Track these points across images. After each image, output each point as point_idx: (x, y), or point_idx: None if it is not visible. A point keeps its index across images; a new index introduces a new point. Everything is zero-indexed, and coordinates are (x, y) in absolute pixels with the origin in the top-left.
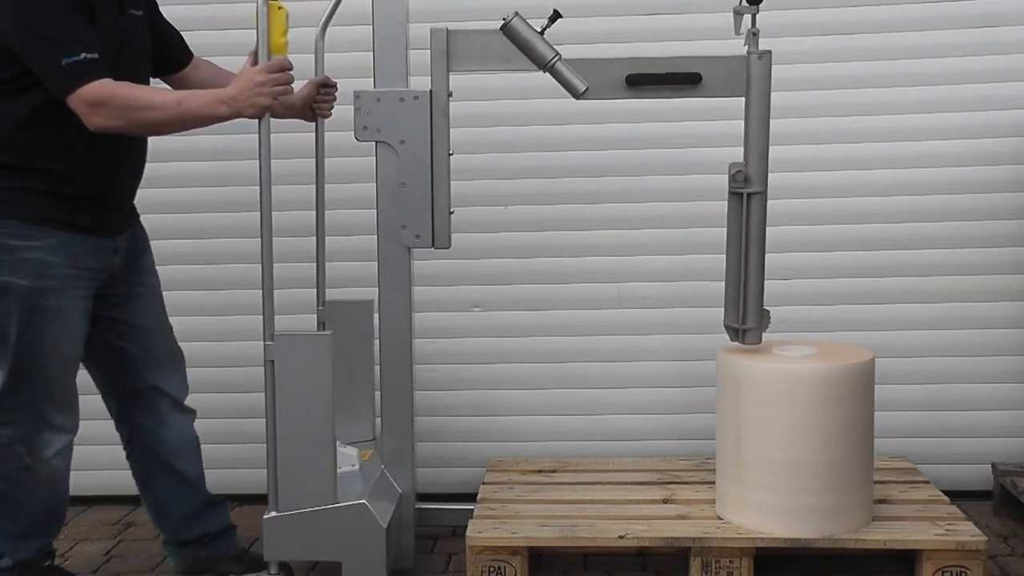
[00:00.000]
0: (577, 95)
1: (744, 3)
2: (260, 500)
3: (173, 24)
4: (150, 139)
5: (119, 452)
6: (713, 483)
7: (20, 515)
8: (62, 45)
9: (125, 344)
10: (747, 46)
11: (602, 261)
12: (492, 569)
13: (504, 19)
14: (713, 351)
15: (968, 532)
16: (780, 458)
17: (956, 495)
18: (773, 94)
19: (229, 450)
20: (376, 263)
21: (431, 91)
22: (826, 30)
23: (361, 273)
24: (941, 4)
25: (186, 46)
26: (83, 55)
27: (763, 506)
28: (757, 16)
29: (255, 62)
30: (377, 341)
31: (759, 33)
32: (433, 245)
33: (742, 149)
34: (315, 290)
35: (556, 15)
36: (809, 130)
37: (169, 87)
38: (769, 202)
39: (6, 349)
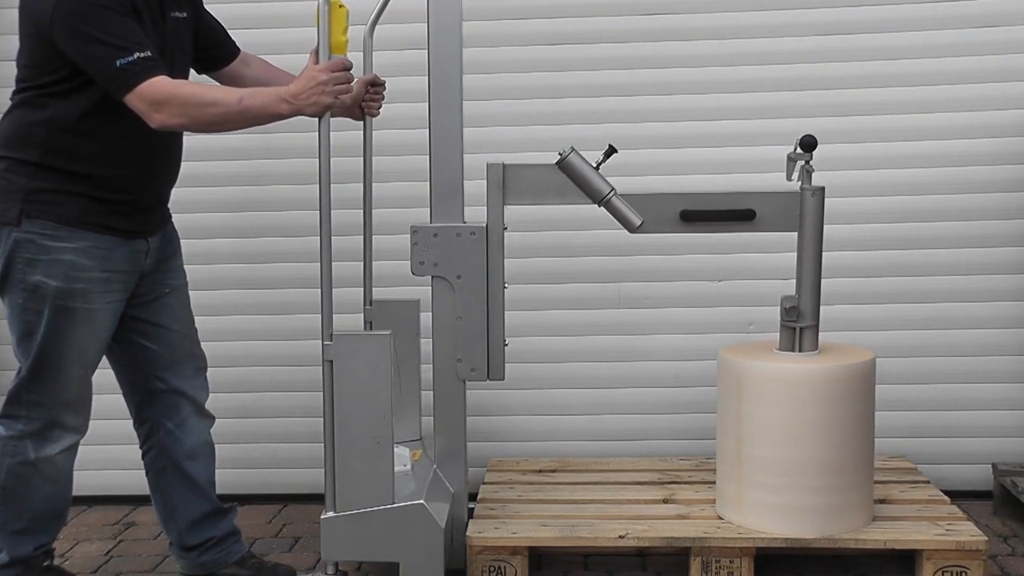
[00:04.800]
0: (632, 230)
1: (798, 150)
2: (260, 500)
3: (220, 21)
4: None
5: (120, 452)
6: (713, 483)
7: (22, 511)
8: (116, 46)
9: (149, 343)
10: (800, 182)
11: (602, 261)
12: (492, 569)
13: (560, 154)
14: (713, 351)
15: (968, 532)
16: (781, 458)
17: (956, 495)
18: (772, 94)
19: (233, 450)
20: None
21: (487, 225)
22: (826, 30)
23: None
24: (941, 4)
25: (232, 42)
26: (136, 55)
27: (763, 506)
28: (811, 158)
29: (317, 60)
30: (425, 341)
31: (813, 171)
32: (488, 378)
33: (740, 148)
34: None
35: (612, 150)
36: (808, 130)
37: (218, 84)
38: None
39: (31, 346)
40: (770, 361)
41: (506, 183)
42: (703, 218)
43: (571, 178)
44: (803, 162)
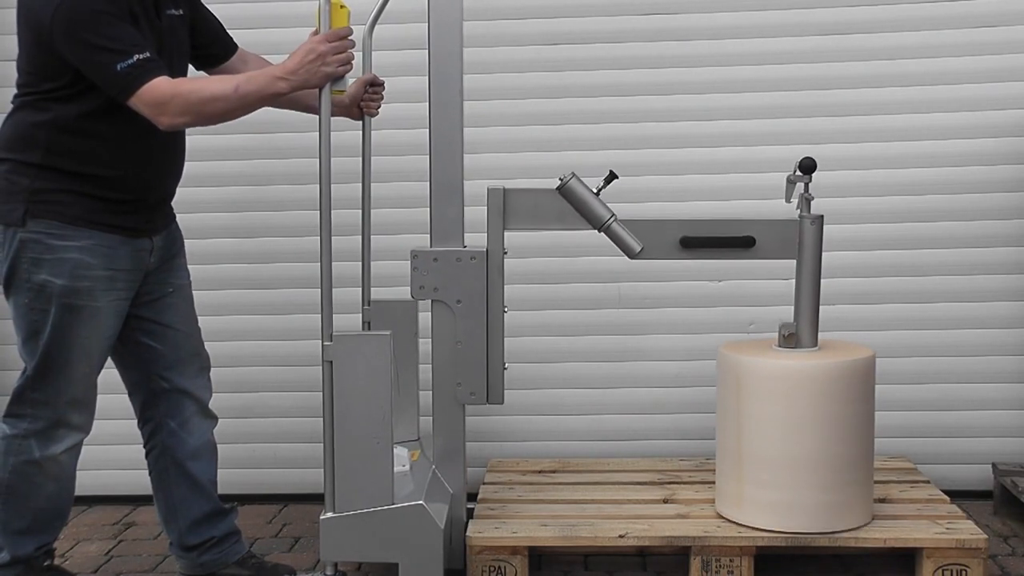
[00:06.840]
0: (632, 256)
1: (797, 172)
2: (260, 500)
3: (219, 20)
4: None
5: (120, 452)
6: (713, 483)
7: (24, 510)
8: (116, 51)
9: (153, 343)
10: (799, 210)
11: (602, 261)
12: (492, 569)
13: (561, 179)
14: (713, 351)
15: (968, 530)
16: (781, 455)
17: (956, 495)
18: (772, 94)
19: (233, 450)
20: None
21: (487, 250)
22: (825, 30)
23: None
24: (941, 4)
25: (229, 39)
26: (136, 57)
27: (763, 504)
28: (806, 183)
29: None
30: (424, 341)
31: (813, 198)
32: (487, 401)
33: (739, 148)
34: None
35: (612, 175)
36: (808, 130)
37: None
38: (768, 202)
39: (37, 345)
40: (769, 358)
41: (507, 208)
42: (703, 244)
43: (571, 203)
44: (802, 189)
